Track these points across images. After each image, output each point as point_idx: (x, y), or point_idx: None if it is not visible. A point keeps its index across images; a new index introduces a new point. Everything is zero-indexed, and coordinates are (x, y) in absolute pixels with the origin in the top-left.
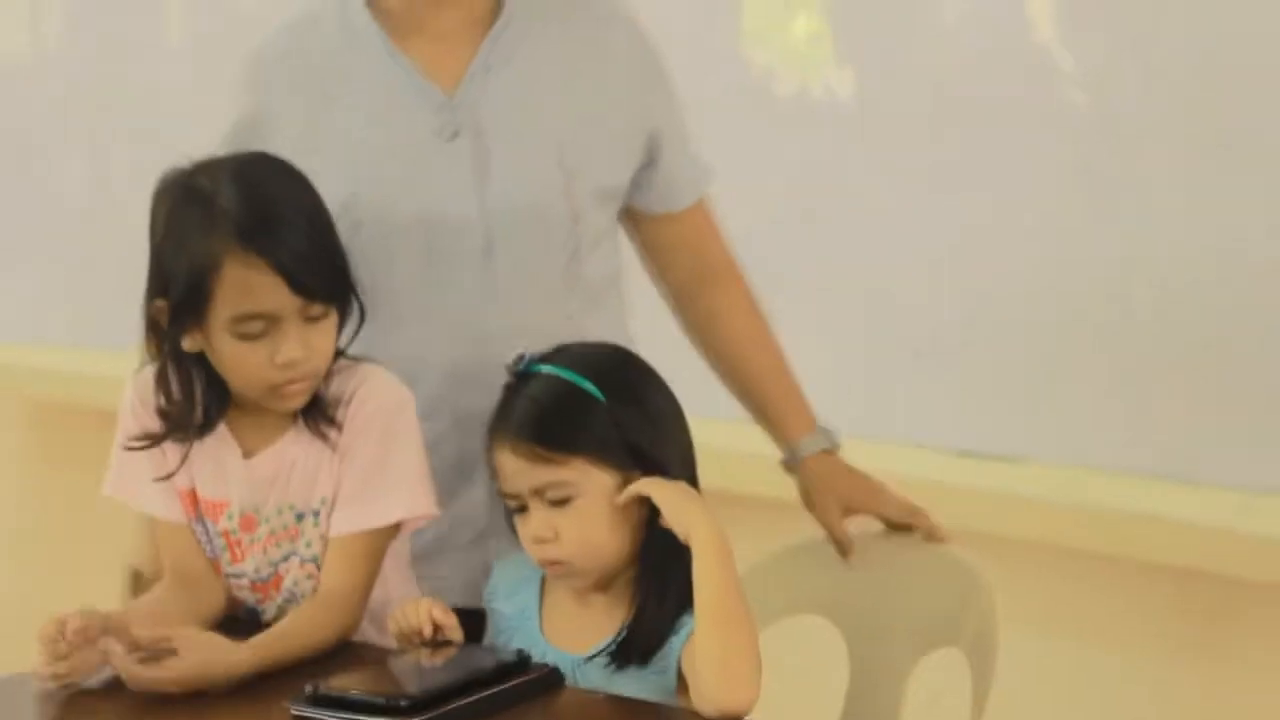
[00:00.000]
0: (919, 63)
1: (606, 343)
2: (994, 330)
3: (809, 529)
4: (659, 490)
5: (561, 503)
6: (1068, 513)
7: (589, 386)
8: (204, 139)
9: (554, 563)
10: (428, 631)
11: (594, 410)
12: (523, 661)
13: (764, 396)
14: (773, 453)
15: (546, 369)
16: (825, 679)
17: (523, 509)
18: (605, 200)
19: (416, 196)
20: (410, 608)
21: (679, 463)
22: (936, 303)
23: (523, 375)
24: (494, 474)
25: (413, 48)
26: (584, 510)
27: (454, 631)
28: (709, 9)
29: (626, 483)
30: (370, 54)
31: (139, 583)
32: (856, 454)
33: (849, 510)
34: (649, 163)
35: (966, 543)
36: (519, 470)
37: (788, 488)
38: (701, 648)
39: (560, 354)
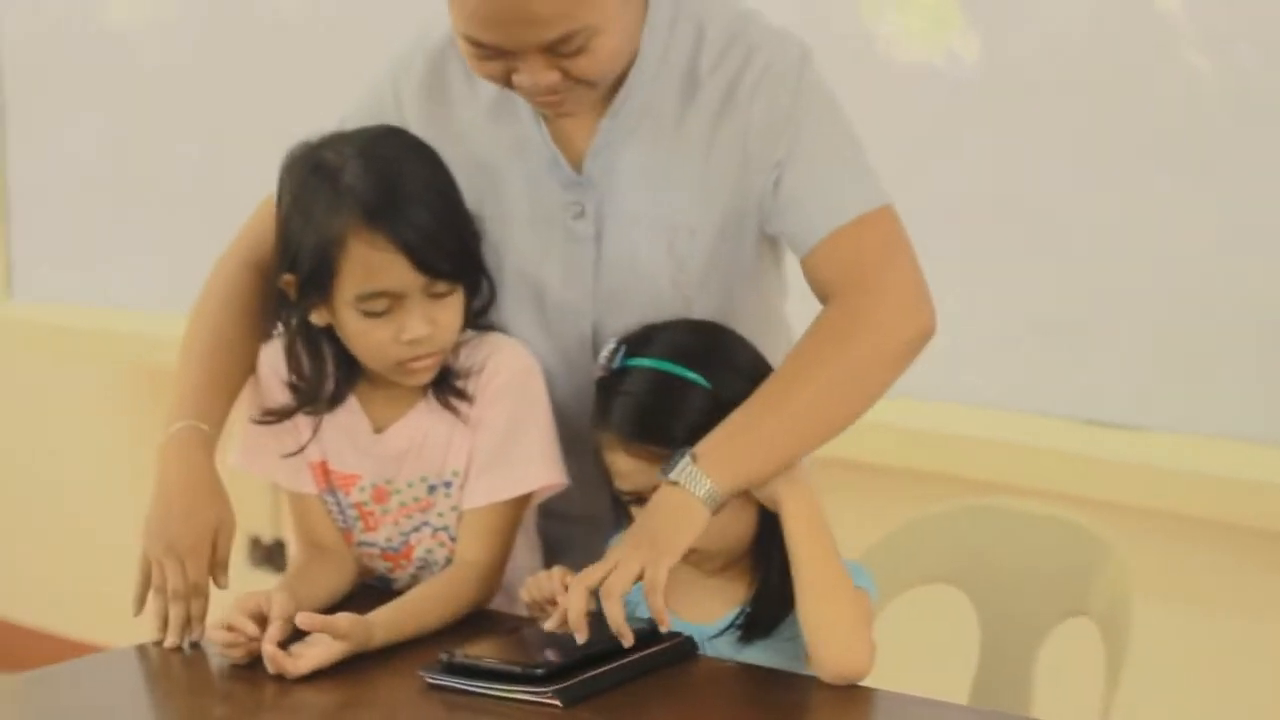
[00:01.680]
0: (1042, 30)
1: (688, 320)
2: (1118, 299)
3: (941, 498)
4: None
5: None
6: (1194, 481)
7: (692, 375)
8: (312, 109)
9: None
10: (561, 600)
11: (701, 398)
12: (655, 631)
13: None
14: (905, 424)
15: (644, 363)
16: (957, 649)
17: (639, 500)
18: (727, 281)
19: (534, 268)
20: (544, 577)
21: None
22: (1060, 272)
23: (618, 371)
24: (606, 473)
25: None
26: None
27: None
28: None
29: None
30: (513, 111)
31: (256, 549)
32: (981, 423)
33: None
34: (772, 206)
35: (1092, 511)
36: (636, 470)
37: (919, 457)
38: (805, 617)
39: (653, 344)
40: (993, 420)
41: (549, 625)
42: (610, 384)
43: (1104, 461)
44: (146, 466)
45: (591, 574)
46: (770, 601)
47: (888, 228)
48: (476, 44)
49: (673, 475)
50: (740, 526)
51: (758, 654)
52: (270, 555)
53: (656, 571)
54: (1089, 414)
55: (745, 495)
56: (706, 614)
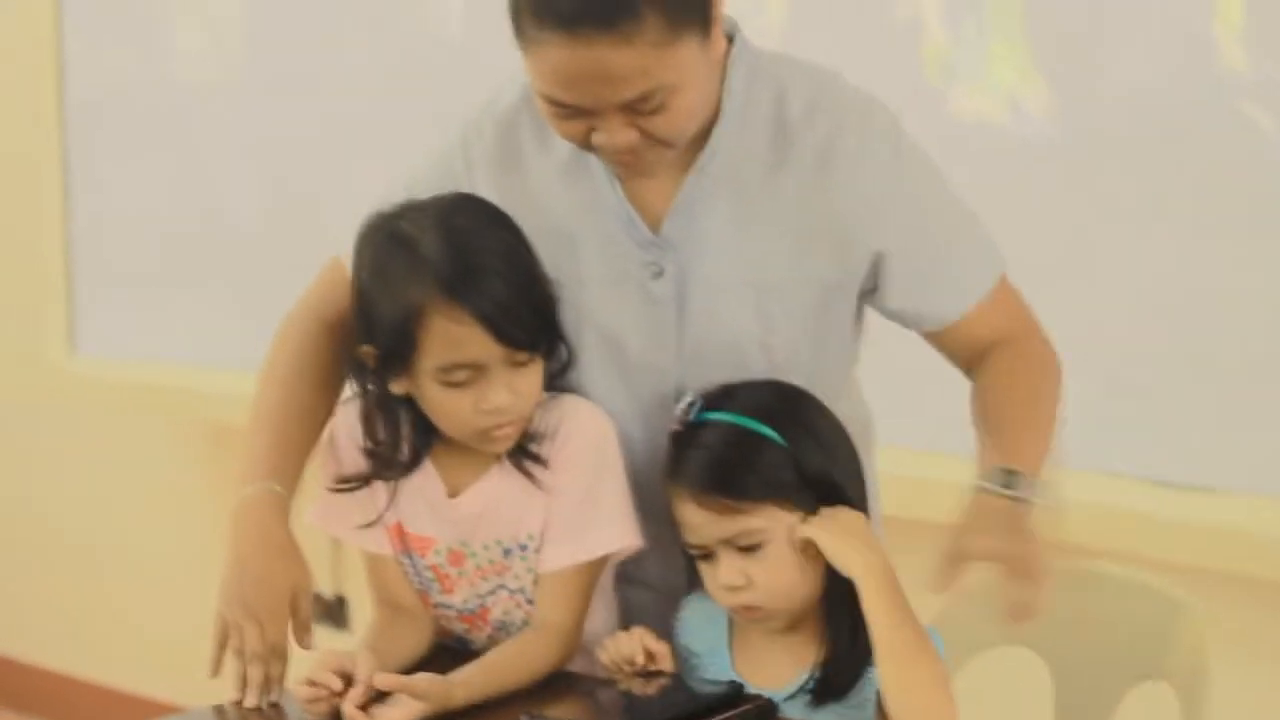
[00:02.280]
0: (1113, 90)
1: (768, 380)
2: (1194, 358)
3: None
4: (817, 533)
5: (751, 549)
6: (1270, 543)
7: (767, 431)
8: (377, 166)
9: (748, 608)
10: (640, 660)
11: (775, 455)
12: (735, 693)
13: (987, 427)
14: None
15: (720, 417)
16: (1032, 711)
17: (708, 556)
18: (815, 345)
19: (614, 329)
20: (624, 637)
21: (852, 484)
22: (1135, 332)
23: (694, 424)
24: (675, 526)
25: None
26: (775, 555)
27: (665, 660)
28: (891, 37)
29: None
30: (587, 173)
31: (317, 605)
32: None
33: (970, 552)
34: (880, 289)
35: (1167, 573)
36: (707, 522)
37: None
38: (887, 683)
39: (730, 399)
40: (1067, 481)
41: None
42: (686, 437)
43: (1179, 523)
44: (211, 521)
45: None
46: (843, 664)
47: (1013, 286)
48: (556, 103)
49: (1033, 493)
50: (808, 585)
51: (828, 718)
52: (331, 611)
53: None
54: (1163, 475)
55: (811, 551)
56: (775, 677)
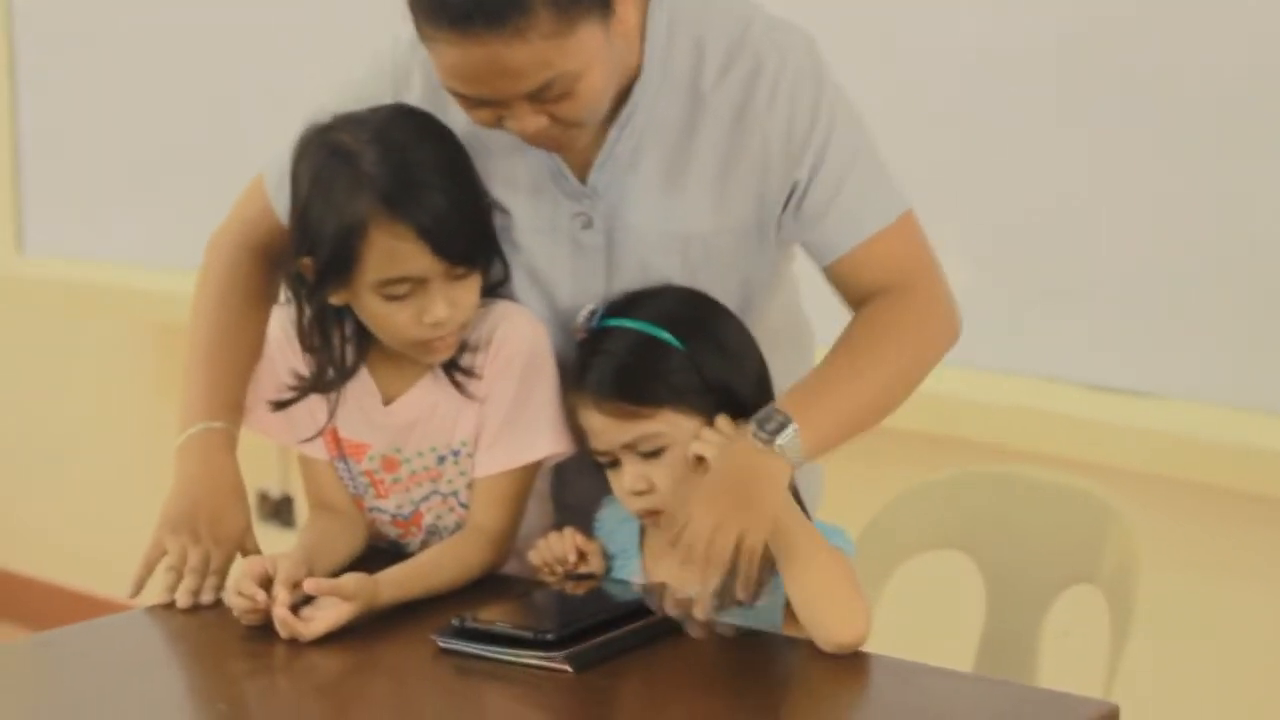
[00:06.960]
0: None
1: (672, 286)
2: (1129, 265)
3: (950, 463)
4: (709, 449)
5: (653, 454)
6: (1201, 448)
7: (666, 336)
8: (323, 68)
9: (652, 512)
10: (572, 559)
11: (675, 359)
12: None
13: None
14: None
15: (621, 323)
16: (963, 614)
17: (614, 463)
18: (744, 288)
19: (544, 273)
20: (555, 537)
21: (757, 392)
22: (1069, 237)
23: (597, 331)
24: (580, 433)
25: None
26: (676, 459)
27: (596, 559)
28: None
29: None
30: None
31: (265, 504)
32: (990, 387)
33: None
34: (795, 218)
35: (1099, 477)
36: (608, 427)
37: (927, 421)
38: (796, 596)
39: (632, 306)
40: (1001, 385)
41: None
42: (588, 345)
43: (1112, 427)
44: (159, 420)
45: (691, 541)
46: None
47: (919, 230)
48: (461, 96)
49: (780, 441)
50: None
51: (735, 619)
52: (278, 510)
53: (757, 540)
54: (1098, 379)
55: (708, 468)
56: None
